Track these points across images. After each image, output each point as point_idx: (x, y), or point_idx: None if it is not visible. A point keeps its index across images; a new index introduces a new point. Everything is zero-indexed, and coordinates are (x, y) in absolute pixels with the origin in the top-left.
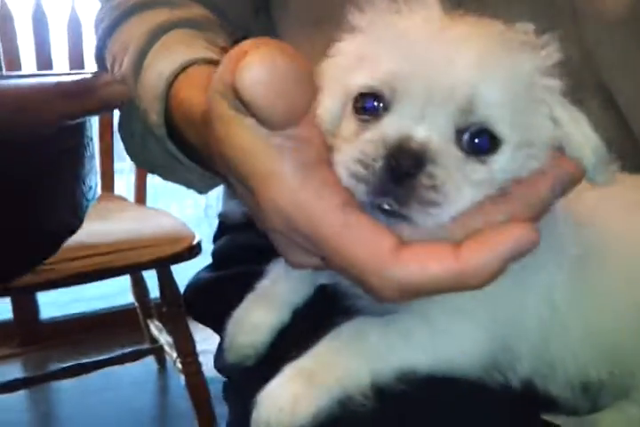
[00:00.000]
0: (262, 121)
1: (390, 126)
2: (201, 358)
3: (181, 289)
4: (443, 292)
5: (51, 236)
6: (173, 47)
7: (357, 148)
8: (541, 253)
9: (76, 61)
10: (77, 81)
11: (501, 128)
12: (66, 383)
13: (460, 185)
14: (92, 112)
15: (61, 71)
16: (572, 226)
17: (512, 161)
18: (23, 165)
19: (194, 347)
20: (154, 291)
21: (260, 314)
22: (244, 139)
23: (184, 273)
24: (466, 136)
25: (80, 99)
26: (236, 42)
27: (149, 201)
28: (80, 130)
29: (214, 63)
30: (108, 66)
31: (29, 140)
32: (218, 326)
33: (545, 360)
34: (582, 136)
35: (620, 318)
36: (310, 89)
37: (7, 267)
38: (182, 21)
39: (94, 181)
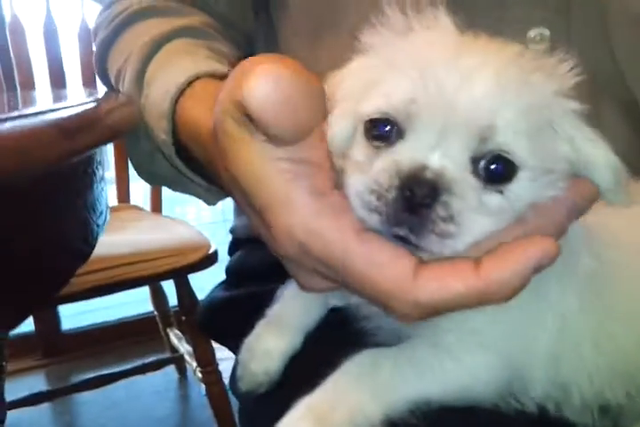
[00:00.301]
0: (272, 137)
1: (404, 154)
2: (221, 366)
3: (199, 296)
4: (466, 308)
5: (63, 267)
6: (176, 59)
7: (370, 177)
8: (553, 271)
9: (88, 72)
10: (79, 115)
11: (519, 155)
12: (88, 395)
13: (477, 214)
14: (99, 144)
15: (73, 91)
16: (585, 241)
17: (530, 189)
18: (29, 201)
19: (213, 356)
20: (172, 298)
21: (271, 340)
22: (254, 164)
23: (202, 279)
24: (482, 164)
25: (83, 134)
26: (239, 47)
27: (166, 206)
28: (88, 157)
29: (218, 76)
30: (112, 80)
31: (33, 181)
32: (233, 345)
33: (559, 384)
34: (601, 157)
35: (634, 337)
36: (318, 104)
37: (23, 302)
38: (183, 30)
39: (104, 204)
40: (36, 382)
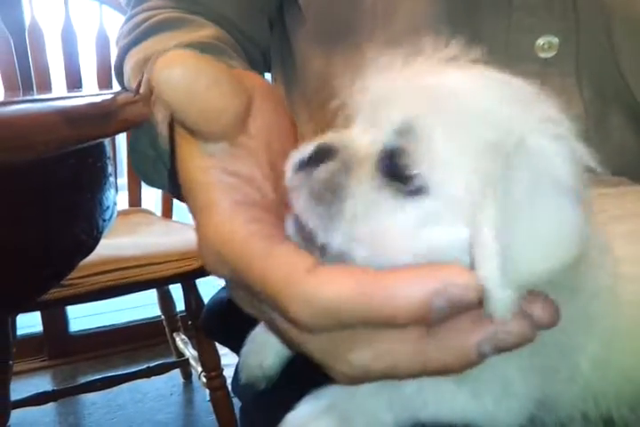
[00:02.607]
0: (188, 129)
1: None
2: (226, 372)
3: (206, 301)
4: (357, 314)
5: (66, 257)
6: None
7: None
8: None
9: (104, 76)
10: (86, 104)
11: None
12: (93, 396)
13: (369, 207)
14: (105, 135)
15: (89, 90)
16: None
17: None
18: (37, 187)
19: (218, 361)
20: (180, 303)
21: (270, 335)
22: (188, 169)
23: (209, 285)
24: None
25: (89, 123)
26: (252, 61)
27: (177, 211)
28: (97, 150)
29: None
30: (125, 83)
31: (33, 164)
32: (235, 345)
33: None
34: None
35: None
36: (231, 95)
37: (22, 290)
38: (195, 44)
39: (112, 200)
40: (42, 383)
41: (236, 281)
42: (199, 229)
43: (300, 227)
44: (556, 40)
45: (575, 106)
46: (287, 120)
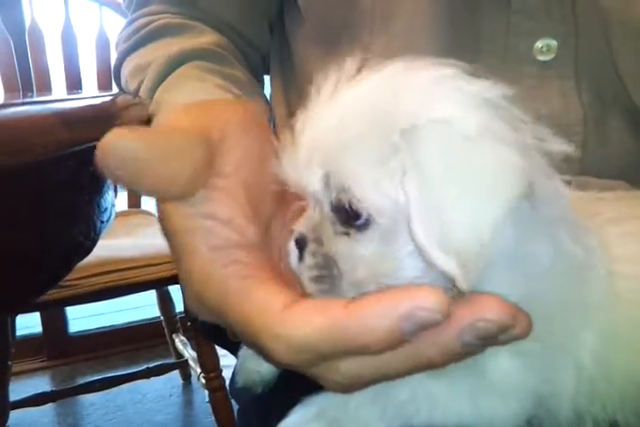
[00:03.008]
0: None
1: None
2: (225, 373)
3: None
4: (334, 349)
5: (63, 259)
6: (187, 86)
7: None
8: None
9: (104, 78)
10: (83, 107)
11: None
12: (92, 397)
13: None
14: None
15: (89, 92)
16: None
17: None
18: (35, 189)
19: (217, 362)
20: (179, 304)
21: None
22: (169, 216)
23: None
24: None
25: (86, 125)
26: (253, 66)
27: None
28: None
29: None
30: (123, 86)
31: (32, 167)
32: (233, 347)
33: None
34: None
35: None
36: (182, 157)
37: (20, 291)
38: (197, 51)
39: (110, 202)
40: (41, 384)
41: (221, 322)
42: (182, 274)
43: None
44: (554, 43)
45: (574, 109)
46: (270, 144)
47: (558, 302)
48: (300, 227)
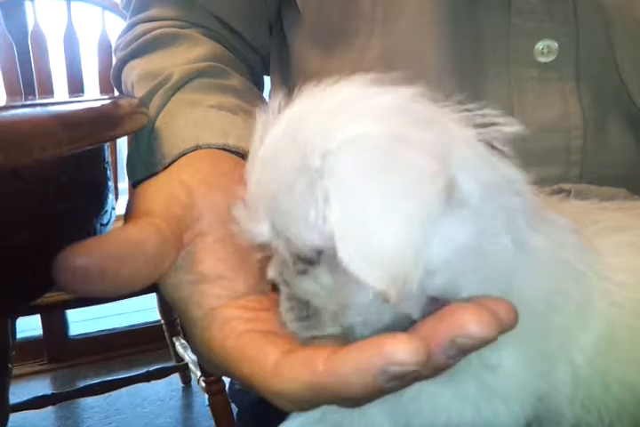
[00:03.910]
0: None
1: None
2: (225, 377)
3: None
4: (326, 400)
5: None
6: (179, 120)
7: None
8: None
9: (107, 83)
10: (84, 109)
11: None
12: (92, 400)
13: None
14: (102, 141)
15: (91, 96)
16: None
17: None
18: (34, 192)
19: None
20: None
21: None
22: (162, 289)
23: None
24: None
25: (85, 128)
26: (252, 69)
27: None
28: (96, 155)
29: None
30: (123, 90)
31: (31, 169)
32: None
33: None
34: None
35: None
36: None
37: (17, 294)
38: (194, 73)
39: (110, 204)
40: (41, 387)
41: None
42: (191, 341)
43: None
44: (555, 44)
45: (574, 112)
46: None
47: (552, 299)
48: (270, 272)
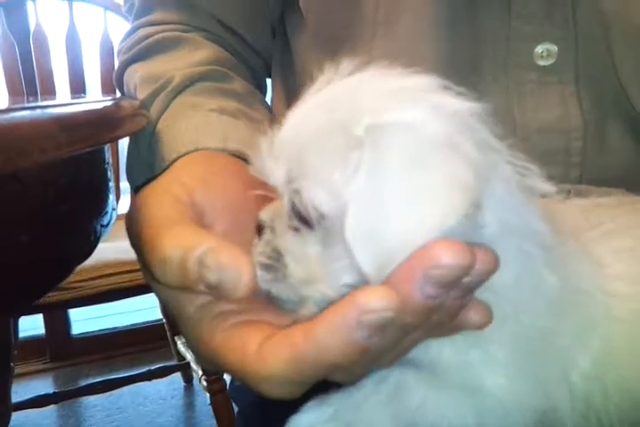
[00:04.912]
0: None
1: None
2: (226, 376)
3: None
4: (309, 372)
5: (62, 262)
6: (180, 124)
7: None
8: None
9: (109, 84)
10: (84, 111)
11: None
12: (94, 399)
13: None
14: (101, 142)
15: (92, 96)
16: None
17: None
18: (34, 193)
19: None
20: None
21: None
22: (155, 288)
23: None
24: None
25: (84, 130)
26: (254, 72)
27: None
28: (97, 156)
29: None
30: (125, 92)
31: (31, 171)
32: None
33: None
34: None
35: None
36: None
37: (19, 293)
38: (195, 77)
39: (111, 205)
40: (43, 386)
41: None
42: (185, 338)
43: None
44: (554, 48)
45: (573, 115)
46: (243, 190)
47: (554, 323)
48: (263, 214)
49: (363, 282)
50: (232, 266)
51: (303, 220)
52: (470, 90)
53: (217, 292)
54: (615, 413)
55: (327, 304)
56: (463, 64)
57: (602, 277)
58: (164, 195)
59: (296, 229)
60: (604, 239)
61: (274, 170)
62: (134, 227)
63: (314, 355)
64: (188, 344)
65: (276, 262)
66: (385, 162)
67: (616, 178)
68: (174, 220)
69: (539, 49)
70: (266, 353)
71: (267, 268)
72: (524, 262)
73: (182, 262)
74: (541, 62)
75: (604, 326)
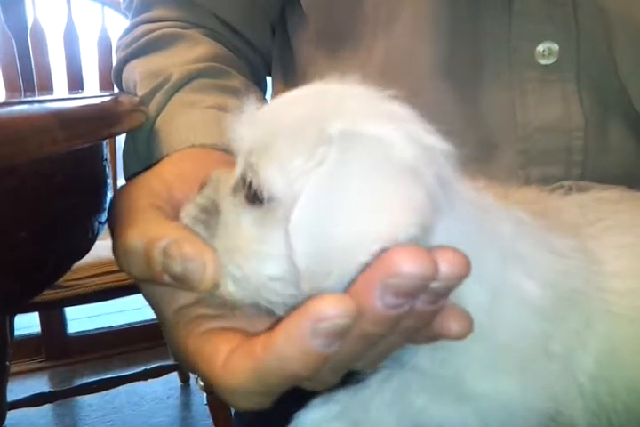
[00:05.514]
0: None
1: None
2: None
3: None
4: (275, 384)
5: (59, 260)
6: (179, 121)
7: None
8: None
9: (106, 79)
10: (82, 106)
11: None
12: (90, 398)
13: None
14: (99, 138)
15: (90, 92)
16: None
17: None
18: (32, 189)
19: None
20: None
21: None
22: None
23: None
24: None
25: (83, 125)
26: (253, 70)
27: None
28: (95, 152)
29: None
30: (124, 88)
31: (28, 167)
32: None
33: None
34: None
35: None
36: None
37: (14, 291)
38: (193, 73)
39: (108, 202)
40: (39, 384)
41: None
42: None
43: None
44: (555, 46)
45: (575, 114)
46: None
47: (550, 327)
48: (213, 174)
49: (287, 277)
50: (196, 257)
51: (250, 199)
52: (470, 90)
53: (181, 283)
54: (623, 412)
55: (242, 285)
56: (464, 63)
57: (597, 275)
58: (142, 189)
59: (237, 205)
60: (604, 236)
61: (243, 136)
62: (110, 220)
63: (275, 366)
64: (168, 344)
65: (207, 217)
66: (349, 166)
67: (617, 177)
68: (144, 212)
69: (540, 48)
70: (231, 366)
71: (196, 221)
72: (498, 276)
73: (146, 253)
74: (543, 61)
75: (603, 325)
